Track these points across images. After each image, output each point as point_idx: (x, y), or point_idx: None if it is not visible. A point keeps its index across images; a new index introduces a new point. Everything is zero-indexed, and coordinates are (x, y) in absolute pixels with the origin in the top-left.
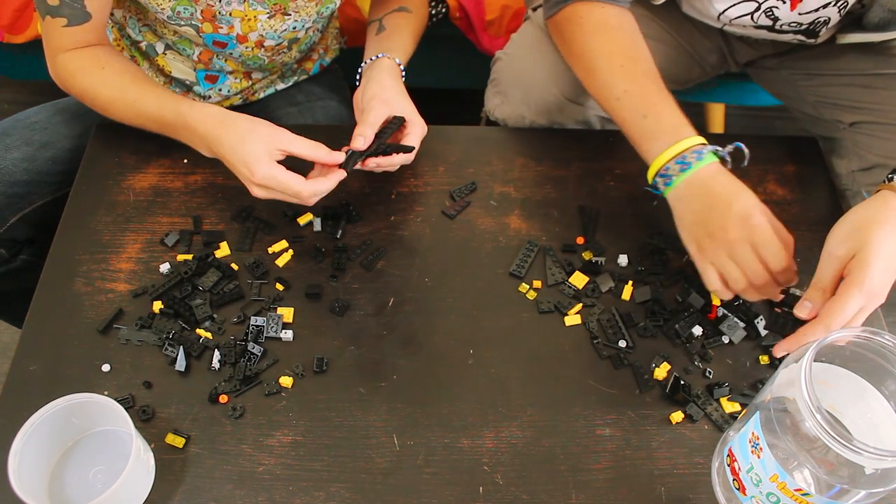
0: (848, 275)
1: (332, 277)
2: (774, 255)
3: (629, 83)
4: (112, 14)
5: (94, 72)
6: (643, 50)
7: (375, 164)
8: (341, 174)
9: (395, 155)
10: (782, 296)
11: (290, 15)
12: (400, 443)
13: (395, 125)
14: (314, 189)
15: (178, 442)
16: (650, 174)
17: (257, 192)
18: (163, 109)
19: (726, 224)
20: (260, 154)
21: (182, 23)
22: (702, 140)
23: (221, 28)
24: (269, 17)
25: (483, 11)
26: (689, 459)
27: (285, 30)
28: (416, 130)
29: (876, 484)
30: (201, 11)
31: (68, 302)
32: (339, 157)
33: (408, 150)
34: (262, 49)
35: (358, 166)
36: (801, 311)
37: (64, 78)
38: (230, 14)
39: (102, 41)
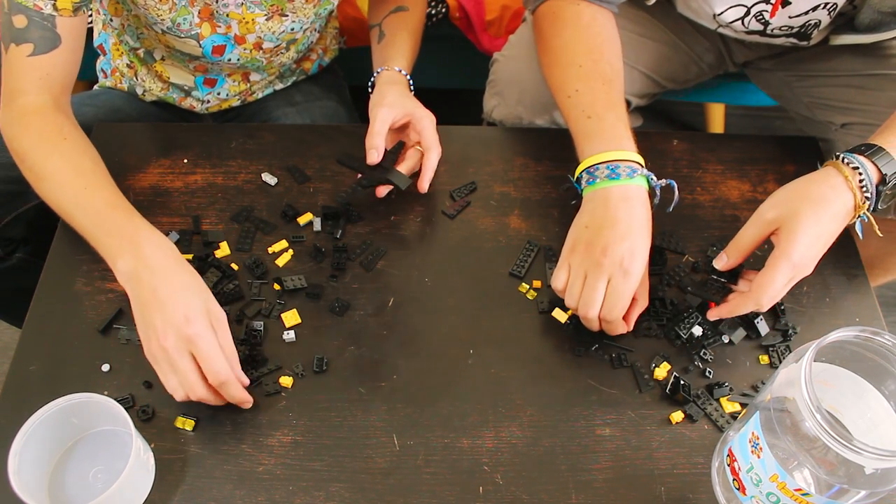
0: (777, 245)
1: (332, 277)
2: (614, 306)
3: (582, 83)
4: (111, 21)
5: (53, 138)
6: (609, 52)
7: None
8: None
9: (426, 165)
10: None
11: (287, 16)
12: (400, 443)
13: (394, 151)
14: (240, 382)
15: (189, 424)
16: (579, 169)
17: (171, 351)
18: (116, 207)
19: (607, 249)
20: (204, 307)
21: (182, 34)
22: (639, 159)
23: (220, 27)
24: (266, 19)
25: (483, 11)
26: (689, 459)
27: (283, 31)
28: (431, 155)
29: (876, 484)
30: (199, 12)
31: (68, 302)
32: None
33: (401, 182)
34: (261, 51)
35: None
36: (717, 262)
37: (15, 125)
38: (227, 15)
39: (64, 103)
